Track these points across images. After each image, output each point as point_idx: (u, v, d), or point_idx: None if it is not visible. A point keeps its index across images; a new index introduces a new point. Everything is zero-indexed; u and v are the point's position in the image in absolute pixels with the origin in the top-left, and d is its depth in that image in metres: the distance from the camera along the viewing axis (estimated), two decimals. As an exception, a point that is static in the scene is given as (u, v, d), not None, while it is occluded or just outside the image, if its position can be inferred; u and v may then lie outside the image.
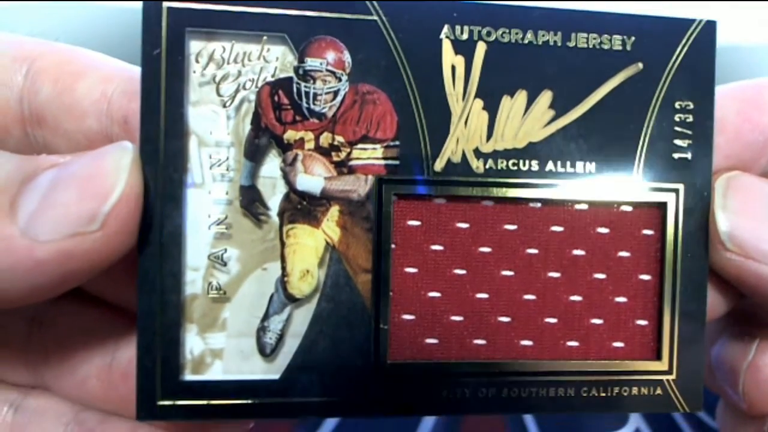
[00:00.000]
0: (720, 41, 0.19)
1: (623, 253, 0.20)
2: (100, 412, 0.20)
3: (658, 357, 0.19)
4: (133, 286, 0.17)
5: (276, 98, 0.18)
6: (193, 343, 0.18)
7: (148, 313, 0.17)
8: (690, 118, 0.19)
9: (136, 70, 0.18)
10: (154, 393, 0.17)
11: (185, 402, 0.17)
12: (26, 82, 0.18)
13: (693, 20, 0.19)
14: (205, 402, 0.17)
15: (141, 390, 0.17)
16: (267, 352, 0.18)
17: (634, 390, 0.19)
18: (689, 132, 0.19)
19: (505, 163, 0.18)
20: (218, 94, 0.17)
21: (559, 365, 0.19)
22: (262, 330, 0.18)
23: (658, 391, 0.19)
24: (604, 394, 0.19)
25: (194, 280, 0.18)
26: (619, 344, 0.20)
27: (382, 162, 0.18)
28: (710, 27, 0.19)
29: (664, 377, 0.19)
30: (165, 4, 0.17)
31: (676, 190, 0.19)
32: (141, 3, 0.17)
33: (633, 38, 0.19)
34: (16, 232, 0.15)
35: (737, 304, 0.21)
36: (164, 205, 0.17)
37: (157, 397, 0.17)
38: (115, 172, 0.16)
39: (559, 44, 0.19)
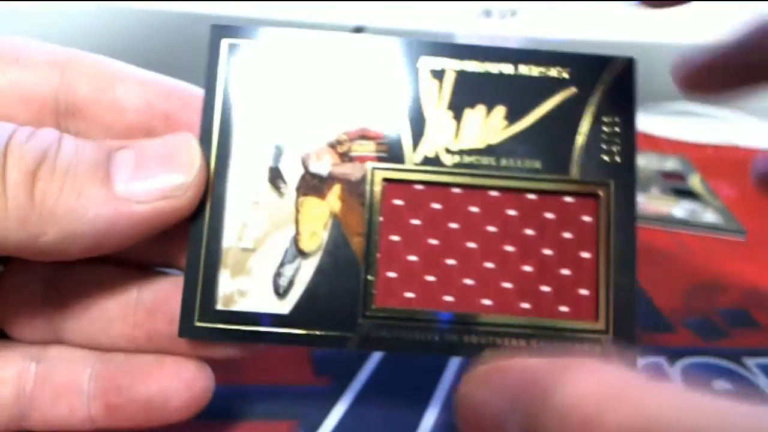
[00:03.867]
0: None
1: (567, 234, 0.24)
2: (124, 353, 0.22)
3: (597, 319, 0.24)
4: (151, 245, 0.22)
5: (299, 106, 0.24)
6: (225, 283, 0.23)
7: (195, 256, 0.23)
8: (617, 129, 0.25)
9: (168, 79, 0.21)
10: (193, 316, 0.22)
11: (216, 325, 0.23)
12: (62, 83, 0.20)
13: (615, 57, 0.25)
14: (230, 326, 0.23)
15: (184, 314, 0.22)
16: (280, 292, 0.23)
17: (577, 347, 0.23)
18: (617, 140, 0.25)
19: (468, 158, 0.24)
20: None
21: (514, 320, 0.24)
22: (277, 275, 0.23)
23: (598, 349, 0.23)
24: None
25: (230, 236, 0.23)
26: (564, 308, 0.24)
27: (375, 154, 0.24)
28: (629, 64, 0.25)
29: (602, 336, 0.23)
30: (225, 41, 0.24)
31: (608, 184, 0.24)
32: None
33: (568, 68, 0.25)
34: (117, 196, 0.19)
35: None
36: (214, 179, 0.23)
37: (195, 319, 0.22)
38: (191, 152, 0.22)
39: (512, 73, 0.25)
